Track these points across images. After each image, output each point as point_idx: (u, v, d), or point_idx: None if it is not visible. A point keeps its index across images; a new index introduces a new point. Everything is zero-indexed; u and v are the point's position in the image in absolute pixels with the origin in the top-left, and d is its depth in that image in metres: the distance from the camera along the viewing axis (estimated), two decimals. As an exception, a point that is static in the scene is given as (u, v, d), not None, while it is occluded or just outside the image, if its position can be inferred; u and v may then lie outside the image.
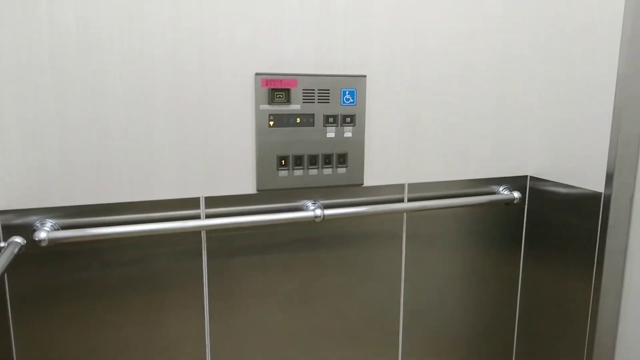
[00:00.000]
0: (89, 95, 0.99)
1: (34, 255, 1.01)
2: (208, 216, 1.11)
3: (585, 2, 1.18)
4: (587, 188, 1.21)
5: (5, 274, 1.00)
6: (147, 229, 1.02)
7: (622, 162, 1.13)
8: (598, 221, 1.18)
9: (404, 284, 1.33)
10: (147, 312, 1.11)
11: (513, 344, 1.50)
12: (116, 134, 1.02)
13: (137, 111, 1.02)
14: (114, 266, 1.07)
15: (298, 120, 1.13)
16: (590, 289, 1.21)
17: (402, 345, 1.36)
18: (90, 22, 0.96)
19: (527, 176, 1.39)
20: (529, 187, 1.39)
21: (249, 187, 1.13)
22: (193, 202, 1.09)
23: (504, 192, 1.36)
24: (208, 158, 1.09)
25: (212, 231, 1.13)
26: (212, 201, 1.11)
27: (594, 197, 1.19)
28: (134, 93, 1.02)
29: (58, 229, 0.99)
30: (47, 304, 1.03)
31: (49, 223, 0.99)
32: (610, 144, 1.14)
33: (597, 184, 1.18)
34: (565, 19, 1.24)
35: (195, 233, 1.11)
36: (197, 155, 1.08)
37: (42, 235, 0.94)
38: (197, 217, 1.10)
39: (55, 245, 1.00)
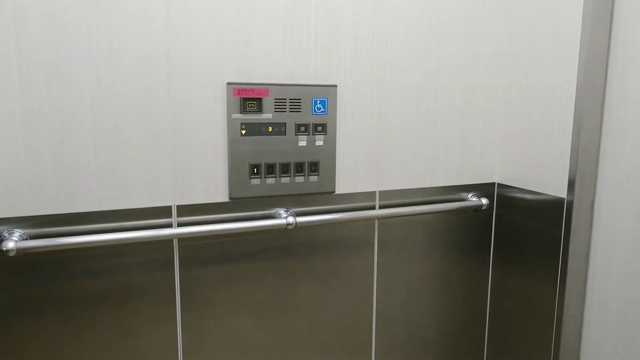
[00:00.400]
0: (56, 104, 0.98)
1: (2, 266, 0.99)
2: (180, 225, 1.11)
3: (545, 15, 1.24)
4: (551, 194, 1.25)
5: (-29, 286, 0.98)
6: (117, 238, 1.02)
7: (583, 169, 1.18)
8: (562, 226, 1.22)
9: (376, 290, 1.34)
10: (117, 323, 1.10)
11: (484, 347, 1.53)
12: (85, 142, 1.02)
13: (106, 120, 1.02)
14: (84, 277, 1.06)
15: (270, 129, 1.15)
16: (556, 291, 1.25)
17: (375, 352, 1.38)
18: (58, 33, 0.96)
19: (494, 183, 1.43)
20: (497, 194, 1.44)
21: (221, 195, 1.14)
22: (165, 211, 1.10)
23: (472, 199, 1.40)
24: (180, 166, 1.10)
25: (184, 240, 1.13)
26: (184, 210, 1.11)
27: (557, 202, 1.23)
28: (103, 101, 1.02)
29: (27, 239, 0.98)
30: (14, 315, 1.02)
31: (17, 233, 0.98)
32: (571, 152, 1.19)
33: (559, 190, 1.23)
34: (526, 33, 1.30)
35: (167, 242, 1.11)
36: (169, 164, 1.09)
37: (10, 245, 0.93)
38: (169, 225, 1.10)
39: (23, 255, 0.99)
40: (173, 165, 1.09)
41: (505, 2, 1.35)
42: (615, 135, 1.14)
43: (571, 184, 1.19)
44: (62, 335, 1.06)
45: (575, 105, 1.17)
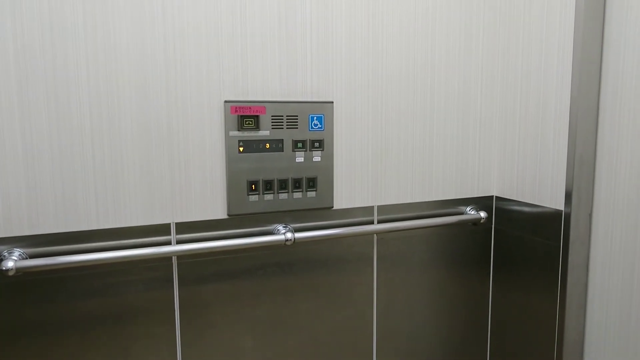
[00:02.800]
0: (54, 124, 1.00)
1: (1, 285, 0.99)
2: (179, 242, 1.12)
3: (538, 31, 1.25)
4: (549, 206, 1.26)
5: (-29, 306, 0.99)
6: (116, 256, 1.02)
7: (580, 182, 1.18)
8: (560, 238, 1.22)
9: (376, 305, 1.34)
10: (116, 343, 1.09)
11: (486, 362, 1.52)
12: (83, 162, 1.03)
13: (105, 139, 1.04)
14: (83, 296, 1.06)
15: (267, 145, 1.16)
16: (556, 303, 1.24)
17: (376, 367, 1.37)
18: (57, 51, 0.98)
19: (492, 196, 1.44)
20: (495, 207, 1.44)
21: (219, 212, 1.15)
22: (164, 228, 1.10)
23: (471, 212, 1.40)
24: (178, 184, 1.11)
25: (183, 257, 1.13)
26: (183, 227, 1.12)
27: (555, 215, 1.24)
28: (101, 121, 1.03)
29: (26, 258, 0.99)
30: (12, 335, 1.02)
31: (16, 252, 0.98)
32: (567, 164, 1.20)
33: (557, 203, 1.23)
34: (519, 49, 1.31)
35: (166, 259, 1.12)
36: (167, 182, 1.10)
37: (9, 264, 0.94)
38: (168, 243, 1.11)
39: (23, 274, 0.99)
40: (172, 182, 1.10)
41: (498, 22, 1.37)
42: (610, 148, 1.15)
43: (568, 196, 1.20)
44: (59, 355, 1.05)
45: (569, 118, 1.18)
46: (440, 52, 1.32)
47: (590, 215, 1.21)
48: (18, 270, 0.94)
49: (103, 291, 1.07)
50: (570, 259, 1.20)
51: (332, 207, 1.25)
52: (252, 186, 1.15)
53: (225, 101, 1.11)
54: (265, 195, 1.17)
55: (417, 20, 1.28)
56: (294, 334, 1.26)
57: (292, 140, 1.18)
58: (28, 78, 0.97)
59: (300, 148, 1.19)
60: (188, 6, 1.07)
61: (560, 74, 1.20)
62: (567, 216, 1.20)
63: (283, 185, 1.18)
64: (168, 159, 1.09)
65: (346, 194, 1.26)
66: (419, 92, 1.31)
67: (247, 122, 1.13)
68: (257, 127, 1.14)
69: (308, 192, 1.21)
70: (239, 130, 1.13)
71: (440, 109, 1.34)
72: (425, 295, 1.40)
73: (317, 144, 1.20)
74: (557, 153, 1.22)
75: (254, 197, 1.16)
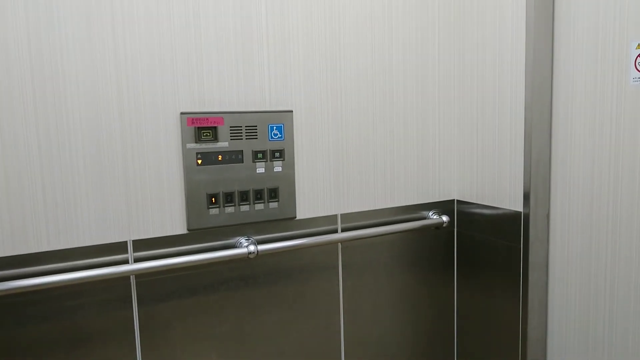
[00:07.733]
0: None
1: (-58, 316, 0.93)
2: (137, 260, 1.07)
3: (491, 38, 1.28)
4: (508, 208, 1.28)
5: None
6: (70, 278, 0.97)
7: (536, 183, 1.21)
8: (520, 238, 1.25)
9: (343, 314, 1.33)
10: (73, 368, 1.04)
11: (454, 365, 1.53)
12: (31, 179, 0.97)
13: (54, 153, 0.99)
14: (36, 321, 1.00)
15: (227, 157, 1.13)
16: (519, 303, 1.26)
17: (345, 377, 1.35)
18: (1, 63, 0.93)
19: (453, 200, 1.45)
20: (457, 211, 1.45)
21: (179, 227, 1.11)
22: (120, 247, 1.06)
23: (433, 217, 1.41)
24: (135, 200, 1.06)
25: (142, 275, 1.09)
26: (140, 244, 1.08)
27: (514, 216, 1.26)
28: (49, 135, 0.98)
29: (-31, 286, 0.93)
30: (-42, 368, 0.95)
31: (-42, 280, 0.92)
32: (524, 166, 1.22)
33: (516, 204, 1.25)
34: (474, 59, 1.34)
35: (123, 279, 1.07)
36: (123, 198, 1.05)
37: (-50, 293, 0.88)
38: (125, 262, 1.06)
39: (-34, 303, 0.93)
40: (127, 199, 1.06)
41: (453, 29, 1.39)
42: (564, 150, 1.18)
43: (526, 198, 1.22)
44: (12, 386, 0.99)
45: (524, 123, 1.21)
46: (398, 59, 1.33)
47: (548, 215, 1.23)
48: (-39, 298, 0.88)
49: (57, 315, 1.02)
50: (530, 258, 1.23)
51: (295, 217, 1.23)
52: (212, 199, 1.12)
53: (182, 113, 1.08)
54: (226, 207, 1.14)
55: (373, 28, 1.28)
56: (260, 347, 1.23)
57: (252, 150, 1.16)
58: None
59: (260, 159, 1.16)
60: (139, 16, 1.03)
61: (514, 81, 1.22)
62: (526, 217, 1.22)
63: (244, 197, 1.16)
64: (122, 174, 1.05)
65: (309, 203, 1.25)
66: (378, 100, 1.31)
67: (204, 134, 1.10)
68: (215, 139, 1.12)
69: (270, 203, 1.19)
70: (196, 142, 1.10)
71: (399, 116, 1.35)
72: (392, 300, 1.40)
73: (277, 154, 1.18)
74: (514, 156, 1.25)
75: (214, 210, 1.13)
